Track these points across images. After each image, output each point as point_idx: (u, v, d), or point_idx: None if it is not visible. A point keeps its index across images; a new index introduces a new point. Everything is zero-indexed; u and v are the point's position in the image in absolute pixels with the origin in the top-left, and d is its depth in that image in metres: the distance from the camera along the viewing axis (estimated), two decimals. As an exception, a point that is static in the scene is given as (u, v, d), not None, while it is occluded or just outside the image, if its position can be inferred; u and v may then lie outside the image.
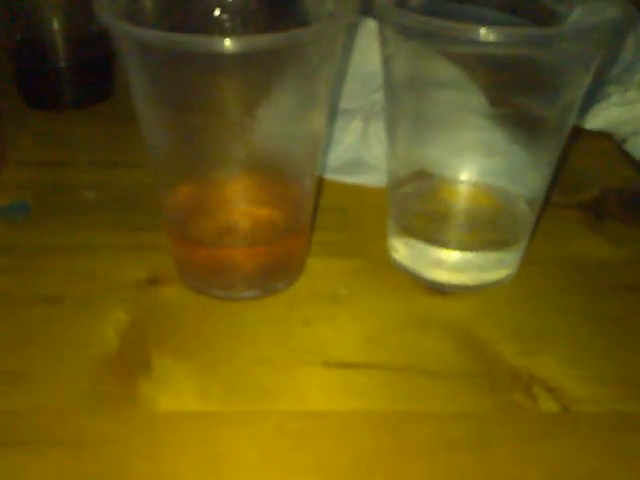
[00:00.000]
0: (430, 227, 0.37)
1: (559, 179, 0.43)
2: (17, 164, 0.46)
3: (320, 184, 0.43)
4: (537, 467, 0.28)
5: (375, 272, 0.38)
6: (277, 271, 0.36)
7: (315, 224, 0.39)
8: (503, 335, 0.33)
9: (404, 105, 0.35)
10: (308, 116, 0.33)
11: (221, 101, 0.31)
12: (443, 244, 0.36)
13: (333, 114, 0.44)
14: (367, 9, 0.31)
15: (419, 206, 0.38)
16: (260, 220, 0.37)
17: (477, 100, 0.33)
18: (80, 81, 0.53)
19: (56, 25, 0.50)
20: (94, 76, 0.54)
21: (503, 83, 0.33)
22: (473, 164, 0.36)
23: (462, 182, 0.37)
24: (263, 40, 0.27)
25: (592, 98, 0.49)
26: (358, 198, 0.43)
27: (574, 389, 0.31)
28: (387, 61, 0.35)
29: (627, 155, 0.47)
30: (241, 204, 0.37)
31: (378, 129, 0.43)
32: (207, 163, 0.34)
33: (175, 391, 0.30)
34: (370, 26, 0.44)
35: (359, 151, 0.44)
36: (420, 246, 0.37)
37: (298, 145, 0.34)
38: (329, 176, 0.44)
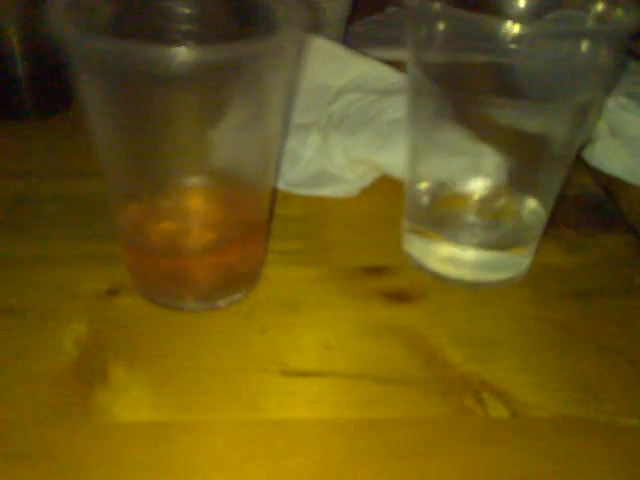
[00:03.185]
0: (445, 225, 0.38)
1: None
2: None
3: (281, 193, 0.43)
4: (487, 471, 0.28)
5: (334, 280, 0.38)
6: (232, 282, 0.36)
7: (274, 233, 0.40)
8: (456, 342, 0.34)
9: (425, 107, 0.36)
10: (261, 127, 0.33)
11: (174, 114, 0.31)
12: (457, 242, 0.37)
13: (288, 128, 0.44)
14: (315, 27, 0.32)
15: (435, 205, 0.39)
16: (214, 230, 0.37)
17: (493, 108, 0.34)
18: (41, 91, 0.53)
19: (16, 35, 0.50)
20: (55, 86, 0.53)
21: (518, 88, 0.34)
22: (486, 168, 0.37)
23: (476, 185, 0.38)
24: (213, 51, 0.27)
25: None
26: (318, 207, 0.43)
27: (523, 394, 0.31)
28: (412, 62, 0.35)
29: (584, 163, 0.48)
30: (194, 214, 0.37)
31: (339, 140, 0.44)
32: (159, 174, 0.34)
33: (131, 401, 0.31)
34: (319, 44, 0.45)
35: (321, 164, 0.44)
36: (435, 243, 0.38)
37: (251, 156, 0.34)
38: (293, 191, 0.44)
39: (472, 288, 0.38)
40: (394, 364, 0.33)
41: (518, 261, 0.38)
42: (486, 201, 0.37)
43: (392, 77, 0.47)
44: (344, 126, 0.44)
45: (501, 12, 0.37)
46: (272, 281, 0.38)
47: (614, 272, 0.39)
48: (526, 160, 0.36)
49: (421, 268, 0.39)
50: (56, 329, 0.34)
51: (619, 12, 0.33)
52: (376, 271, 0.39)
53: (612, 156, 0.47)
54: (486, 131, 0.35)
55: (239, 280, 0.37)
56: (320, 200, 0.44)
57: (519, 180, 0.37)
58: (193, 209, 0.37)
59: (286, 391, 0.32)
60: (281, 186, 0.44)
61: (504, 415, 0.31)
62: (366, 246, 0.40)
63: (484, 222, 0.38)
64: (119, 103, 0.31)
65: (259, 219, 0.36)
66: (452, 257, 0.38)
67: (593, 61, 0.33)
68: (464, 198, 0.38)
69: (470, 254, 0.38)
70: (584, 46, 0.33)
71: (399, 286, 0.38)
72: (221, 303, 0.36)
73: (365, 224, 0.42)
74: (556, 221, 0.43)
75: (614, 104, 0.47)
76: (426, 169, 0.38)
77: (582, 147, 0.49)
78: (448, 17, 0.32)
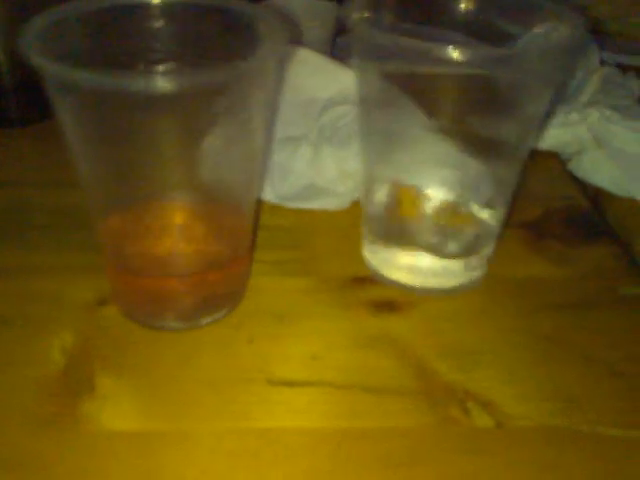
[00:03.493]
0: (400, 234, 0.39)
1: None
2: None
3: (269, 204, 0.44)
4: (471, 480, 0.29)
5: (322, 291, 0.38)
6: (214, 301, 0.36)
7: (262, 243, 0.40)
8: (442, 352, 0.34)
9: (373, 120, 0.37)
10: (243, 145, 0.33)
11: (152, 136, 0.31)
12: (413, 250, 0.38)
13: (271, 143, 0.44)
14: (298, 39, 0.32)
15: (390, 214, 0.40)
16: (196, 249, 0.37)
17: (441, 122, 0.34)
18: (25, 99, 0.53)
19: (1, 45, 0.50)
20: (40, 94, 0.53)
21: (463, 102, 0.35)
22: (437, 176, 0.37)
23: (430, 193, 0.38)
24: (193, 76, 0.27)
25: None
26: (306, 218, 0.44)
27: (508, 404, 0.32)
28: (359, 80, 0.36)
29: (571, 174, 0.49)
30: (176, 232, 0.37)
31: (331, 153, 0.44)
32: (140, 193, 0.34)
33: (118, 410, 0.31)
34: (304, 56, 0.45)
35: (311, 177, 0.45)
36: (392, 251, 0.39)
37: (234, 173, 0.34)
38: (285, 204, 0.44)
39: (428, 294, 0.38)
40: (382, 374, 0.33)
41: (474, 267, 0.39)
42: (441, 209, 0.38)
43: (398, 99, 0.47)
44: (335, 139, 0.44)
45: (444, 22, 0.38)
46: (260, 291, 0.38)
47: (600, 284, 0.40)
48: (479, 168, 0.36)
49: (380, 276, 0.39)
50: (44, 338, 0.34)
51: (562, 29, 0.34)
52: (365, 281, 0.39)
53: (598, 168, 0.48)
54: (435, 139, 0.35)
55: (222, 299, 0.36)
56: (308, 211, 0.44)
57: (473, 188, 0.38)
58: (175, 227, 0.36)
59: (273, 400, 0.32)
60: (272, 200, 0.44)
61: (489, 425, 0.31)
62: (355, 256, 0.41)
63: (439, 230, 0.38)
64: (96, 125, 0.31)
65: (244, 237, 0.36)
66: (408, 265, 0.39)
67: (538, 77, 0.34)
68: (419, 207, 0.38)
69: (426, 261, 0.38)
70: (528, 63, 0.33)
71: (388, 296, 0.38)
72: (203, 322, 0.36)
73: (354, 234, 0.42)
74: (542, 233, 0.43)
75: (599, 116, 0.47)
76: (378, 179, 0.39)
77: (568, 159, 0.50)
78: (393, 45, 0.33)
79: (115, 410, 0.31)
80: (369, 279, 0.39)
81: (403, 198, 0.38)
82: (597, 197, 0.47)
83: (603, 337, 0.36)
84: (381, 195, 0.39)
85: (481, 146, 0.35)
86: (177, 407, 0.31)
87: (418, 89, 0.34)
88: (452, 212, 0.38)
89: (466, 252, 0.38)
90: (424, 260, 0.38)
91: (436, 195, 0.38)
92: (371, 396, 0.32)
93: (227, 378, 0.33)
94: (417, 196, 0.38)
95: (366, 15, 0.35)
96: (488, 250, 0.39)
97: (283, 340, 0.35)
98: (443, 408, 0.31)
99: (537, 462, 0.30)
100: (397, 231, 0.39)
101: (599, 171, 0.48)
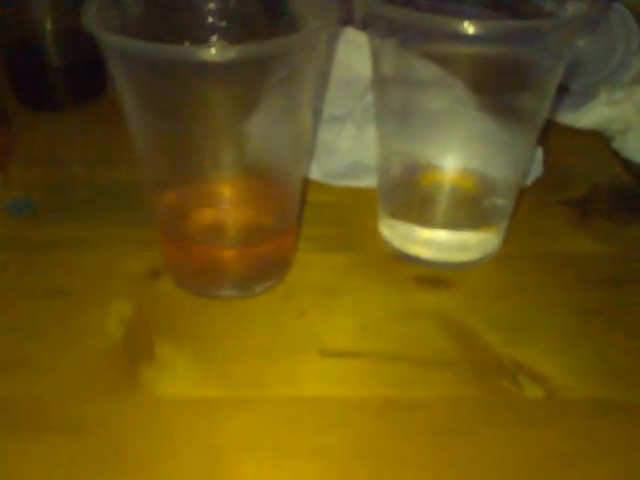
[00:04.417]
0: (417, 208, 0.39)
1: (549, 176, 0.44)
2: (20, 162, 0.47)
3: (316, 181, 0.44)
4: (523, 450, 0.29)
5: (367, 265, 0.39)
6: (266, 269, 0.37)
7: (309, 219, 0.41)
8: (490, 326, 0.35)
9: (390, 98, 0.37)
10: (293, 120, 0.34)
11: (208, 108, 0.32)
12: (429, 224, 0.38)
13: (320, 119, 0.45)
14: (347, 19, 0.32)
15: (406, 189, 0.40)
16: (247, 220, 0.38)
17: (456, 92, 0.34)
18: (74, 81, 0.53)
19: (49, 25, 0.51)
20: (88, 75, 0.54)
21: (481, 75, 0.34)
22: (457, 151, 0.38)
23: (446, 168, 0.38)
24: (248, 50, 0.28)
25: (583, 98, 0.50)
26: (352, 195, 0.44)
27: (557, 377, 0.32)
28: (374, 57, 0.36)
29: (615, 153, 0.49)
30: (228, 205, 0.37)
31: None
32: (194, 167, 0.35)
33: (176, 378, 0.32)
34: (350, 35, 0.45)
35: (356, 156, 0.45)
36: (408, 227, 0.39)
37: (284, 148, 0.35)
38: (331, 182, 0.45)
39: (443, 268, 0.38)
40: (430, 347, 0.34)
41: (489, 240, 0.39)
42: (457, 183, 0.38)
43: (426, 68, 0.47)
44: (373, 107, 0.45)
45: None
46: (307, 266, 0.39)
47: (645, 260, 0.40)
48: (493, 139, 0.36)
49: (396, 251, 0.39)
50: (101, 309, 0.35)
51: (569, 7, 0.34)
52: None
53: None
54: (452, 112, 0.35)
55: (272, 268, 0.37)
56: (354, 188, 0.45)
57: (488, 160, 0.38)
58: (227, 199, 0.37)
59: (325, 371, 0.33)
60: (318, 178, 0.45)
61: (539, 396, 0.31)
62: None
63: (454, 203, 0.39)
64: (156, 97, 0.32)
65: (292, 210, 0.37)
66: (423, 239, 0.39)
67: (546, 53, 0.34)
68: (434, 180, 0.39)
69: (441, 235, 0.39)
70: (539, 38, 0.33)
71: (431, 272, 0.38)
72: (256, 290, 0.37)
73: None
74: (587, 210, 0.43)
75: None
76: (395, 154, 0.39)
77: (612, 138, 0.50)
78: (400, 17, 0.33)
79: (173, 378, 0.32)
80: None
81: (420, 172, 0.39)
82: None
83: (648, 312, 0.36)
84: (397, 169, 0.39)
85: (498, 117, 0.35)
86: (233, 375, 0.32)
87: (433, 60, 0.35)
88: (468, 185, 0.38)
89: (478, 225, 0.39)
90: (440, 234, 0.39)
91: (452, 168, 0.38)
92: (420, 368, 0.33)
93: (280, 348, 0.34)
94: (434, 169, 0.38)
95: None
96: (504, 224, 0.39)
97: (332, 313, 0.36)
98: (494, 380, 0.32)
99: (586, 433, 0.30)
100: (414, 205, 0.39)
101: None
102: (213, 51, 0.27)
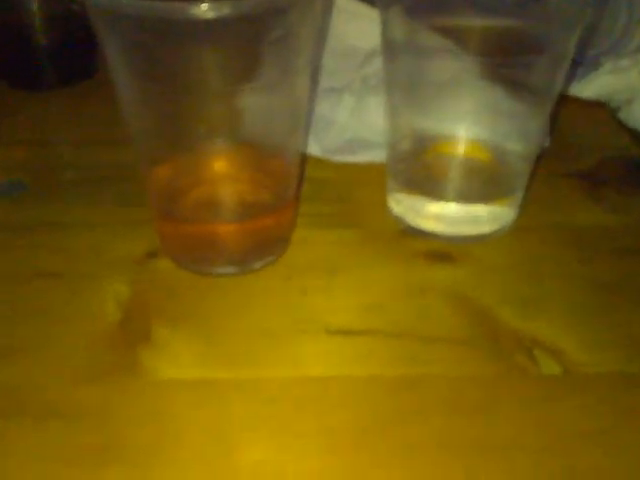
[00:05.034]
0: (428, 181, 0.38)
1: (556, 148, 0.43)
2: (8, 143, 0.46)
3: (314, 157, 0.43)
4: (540, 427, 0.28)
5: (371, 241, 0.38)
6: (261, 246, 0.36)
7: (308, 196, 0.39)
8: (503, 300, 0.34)
9: (399, 65, 0.35)
10: (289, 85, 0.32)
11: (201, 70, 0.31)
12: (441, 197, 0.37)
13: (316, 90, 0.43)
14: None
15: (416, 162, 0.39)
16: (243, 195, 0.36)
17: (465, 63, 0.33)
18: (61, 60, 0.53)
19: (36, 4, 0.50)
20: (76, 55, 0.53)
21: (490, 46, 0.34)
22: (468, 122, 0.37)
23: (457, 139, 0.37)
24: (242, 6, 0.27)
25: (587, 67, 0.49)
26: (351, 171, 0.43)
27: (574, 352, 0.31)
28: (383, 23, 0.35)
29: (621, 124, 0.48)
30: (223, 179, 0.36)
31: (376, 103, 0.43)
32: (188, 137, 0.33)
33: (175, 359, 0.30)
34: (342, 3, 0.44)
35: (356, 130, 0.43)
36: (419, 200, 0.38)
37: (280, 116, 0.33)
38: (330, 157, 0.43)
39: (454, 242, 0.37)
40: (439, 323, 0.33)
41: (503, 213, 0.38)
42: (468, 154, 0.37)
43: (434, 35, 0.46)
44: (381, 89, 0.43)
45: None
46: (308, 244, 0.37)
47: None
48: (505, 109, 0.35)
49: (406, 226, 0.38)
50: (98, 291, 0.34)
51: None
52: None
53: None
54: (463, 82, 0.34)
55: (270, 244, 0.36)
56: (353, 164, 0.43)
57: (500, 131, 0.37)
58: (222, 174, 0.36)
59: (331, 349, 0.31)
60: (317, 153, 0.43)
61: (556, 372, 0.30)
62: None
63: (466, 176, 0.37)
64: (145, 60, 0.30)
65: (290, 184, 0.36)
66: (435, 212, 0.38)
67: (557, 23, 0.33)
68: (445, 152, 0.37)
69: (453, 208, 0.37)
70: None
71: (439, 246, 0.37)
72: (256, 265, 0.35)
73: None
74: (597, 181, 0.42)
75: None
76: (405, 127, 0.38)
77: (617, 108, 0.49)
78: None
79: (172, 359, 0.30)
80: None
81: (430, 144, 0.38)
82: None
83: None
84: (407, 142, 0.38)
85: (511, 89, 0.34)
86: (234, 356, 0.31)
87: (443, 32, 0.33)
88: (481, 157, 0.37)
89: (491, 198, 0.37)
90: (452, 208, 0.37)
91: (464, 140, 0.37)
92: (430, 344, 0.32)
93: (283, 327, 0.32)
94: (445, 141, 0.37)
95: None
96: (518, 196, 0.38)
97: (335, 291, 0.34)
98: (509, 356, 0.31)
99: (605, 408, 0.29)
100: (425, 178, 0.38)
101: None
102: (205, 7, 0.26)
